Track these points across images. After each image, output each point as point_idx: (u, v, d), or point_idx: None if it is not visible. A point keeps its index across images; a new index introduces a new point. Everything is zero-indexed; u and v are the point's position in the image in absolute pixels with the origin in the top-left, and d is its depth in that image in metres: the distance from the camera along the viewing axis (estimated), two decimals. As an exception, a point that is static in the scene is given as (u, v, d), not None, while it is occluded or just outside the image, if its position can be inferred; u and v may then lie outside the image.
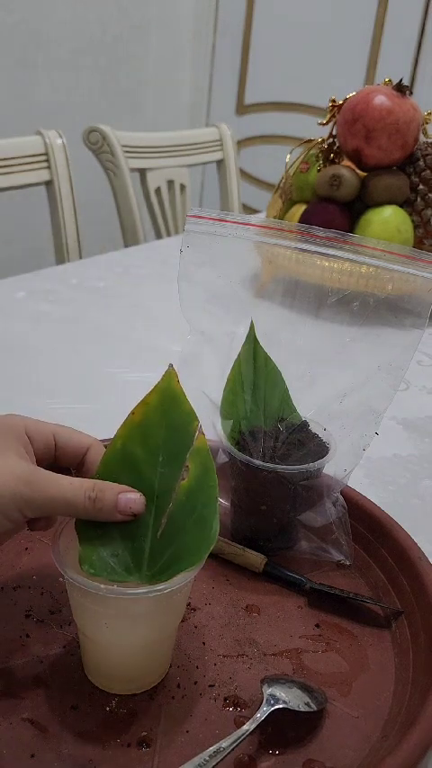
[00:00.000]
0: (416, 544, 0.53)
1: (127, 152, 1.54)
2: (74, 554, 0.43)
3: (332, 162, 1.13)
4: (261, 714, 0.40)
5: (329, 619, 0.50)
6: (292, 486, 0.52)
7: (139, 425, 0.42)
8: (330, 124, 1.12)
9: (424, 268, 0.50)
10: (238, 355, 0.56)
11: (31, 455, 0.42)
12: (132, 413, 0.42)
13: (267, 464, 0.52)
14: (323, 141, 1.14)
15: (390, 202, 1.05)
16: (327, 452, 0.54)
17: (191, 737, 0.41)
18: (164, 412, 0.42)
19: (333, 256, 0.52)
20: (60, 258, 1.44)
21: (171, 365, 0.43)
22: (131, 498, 0.40)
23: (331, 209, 1.06)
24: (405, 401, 0.85)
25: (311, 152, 1.14)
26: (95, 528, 0.40)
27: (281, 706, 0.41)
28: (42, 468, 0.40)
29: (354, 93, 1.09)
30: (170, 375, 0.43)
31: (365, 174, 1.09)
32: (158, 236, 1.71)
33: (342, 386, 0.54)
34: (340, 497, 0.55)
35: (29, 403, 0.73)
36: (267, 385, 0.57)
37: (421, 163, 1.07)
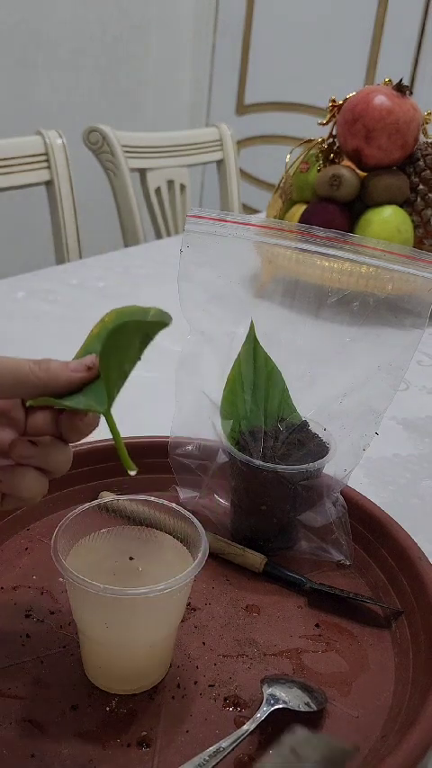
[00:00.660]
0: (416, 544, 0.53)
1: (127, 152, 1.54)
2: (74, 554, 0.43)
3: (332, 162, 1.13)
4: (261, 714, 0.40)
5: (329, 619, 0.50)
6: (292, 486, 0.52)
7: (98, 335, 0.41)
8: (330, 124, 1.12)
9: (424, 268, 0.50)
10: (238, 355, 0.56)
11: None
12: (91, 332, 0.42)
13: (267, 464, 0.52)
14: (323, 141, 1.14)
15: (390, 202, 1.05)
16: (327, 452, 0.54)
17: (191, 737, 0.41)
18: (116, 319, 0.41)
19: (333, 256, 0.52)
20: (60, 258, 1.44)
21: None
22: (81, 359, 0.39)
23: (331, 209, 1.06)
24: (405, 401, 0.85)
25: (311, 152, 1.14)
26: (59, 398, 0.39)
27: (281, 706, 0.41)
28: None
29: (354, 93, 1.09)
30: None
31: (365, 174, 1.09)
32: (158, 236, 1.71)
33: (342, 386, 0.54)
34: (340, 497, 0.55)
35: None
36: (267, 385, 0.57)
37: (421, 163, 1.07)
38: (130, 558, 0.44)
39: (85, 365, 0.39)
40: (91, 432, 0.40)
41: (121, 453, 0.38)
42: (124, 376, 0.39)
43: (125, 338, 0.37)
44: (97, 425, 0.40)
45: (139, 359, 0.39)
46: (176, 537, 0.45)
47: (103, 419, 0.39)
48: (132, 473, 0.38)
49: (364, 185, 1.07)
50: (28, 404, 0.38)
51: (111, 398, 0.38)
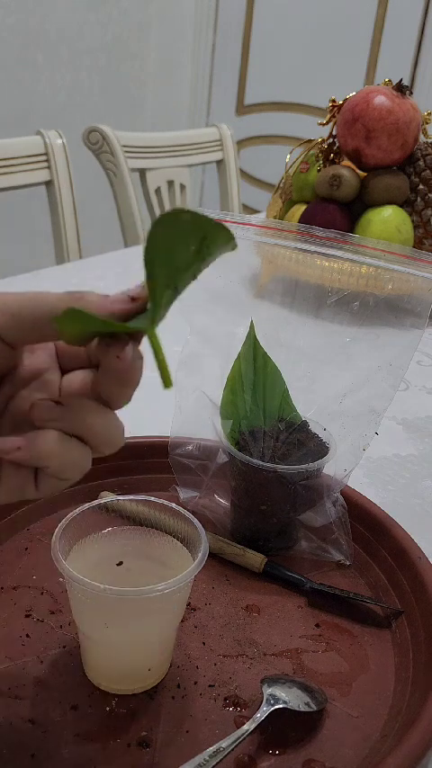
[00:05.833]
0: (416, 544, 0.53)
1: (127, 152, 1.54)
2: (74, 554, 0.43)
3: (332, 162, 1.13)
4: (261, 714, 0.40)
5: (329, 619, 0.50)
6: (292, 486, 0.52)
7: None
8: (330, 124, 1.12)
9: (424, 268, 0.50)
10: (238, 355, 0.56)
11: None
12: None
13: (267, 464, 0.52)
14: (323, 141, 1.14)
15: (390, 202, 1.05)
16: (327, 452, 0.54)
17: (191, 737, 0.41)
18: None
19: (333, 256, 0.52)
20: (60, 258, 1.44)
21: None
22: (124, 290, 0.32)
23: (331, 209, 1.06)
24: (405, 401, 0.85)
25: (311, 152, 1.14)
26: None
27: (281, 706, 0.41)
28: None
29: (354, 93, 1.09)
30: None
31: (365, 174, 1.09)
32: (158, 236, 1.70)
33: (342, 386, 0.54)
34: (340, 497, 0.55)
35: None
36: (267, 385, 0.57)
37: (421, 163, 1.07)
38: (130, 559, 0.44)
39: (129, 296, 0.32)
40: (132, 383, 0.33)
41: (163, 371, 0.31)
42: (173, 288, 0.31)
43: (176, 234, 0.29)
44: (140, 379, 0.33)
45: (195, 277, 0.32)
46: (176, 537, 0.45)
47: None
48: (167, 389, 0.31)
49: (364, 185, 1.07)
50: (52, 320, 0.32)
51: (156, 312, 0.31)
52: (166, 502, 0.46)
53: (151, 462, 0.62)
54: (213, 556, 0.54)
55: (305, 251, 0.53)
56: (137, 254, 1.40)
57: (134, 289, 0.32)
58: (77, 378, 0.34)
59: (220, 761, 0.38)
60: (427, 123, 1.09)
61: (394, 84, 1.07)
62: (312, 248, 0.53)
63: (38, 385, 0.35)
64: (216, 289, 0.54)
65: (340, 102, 1.10)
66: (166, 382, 0.31)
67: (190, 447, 0.58)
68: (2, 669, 0.44)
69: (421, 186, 1.07)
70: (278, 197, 1.18)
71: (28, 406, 0.33)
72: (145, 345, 0.33)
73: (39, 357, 0.35)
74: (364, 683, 0.45)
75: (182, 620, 0.46)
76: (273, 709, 0.41)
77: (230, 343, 0.55)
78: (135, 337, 0.33)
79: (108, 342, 0.32)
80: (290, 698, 0.42)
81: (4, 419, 0.34)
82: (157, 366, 0.31)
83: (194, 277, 0.32)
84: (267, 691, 0.42)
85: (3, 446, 0.32)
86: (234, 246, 0.31)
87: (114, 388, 0.33)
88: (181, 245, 0.30)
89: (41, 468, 0.33)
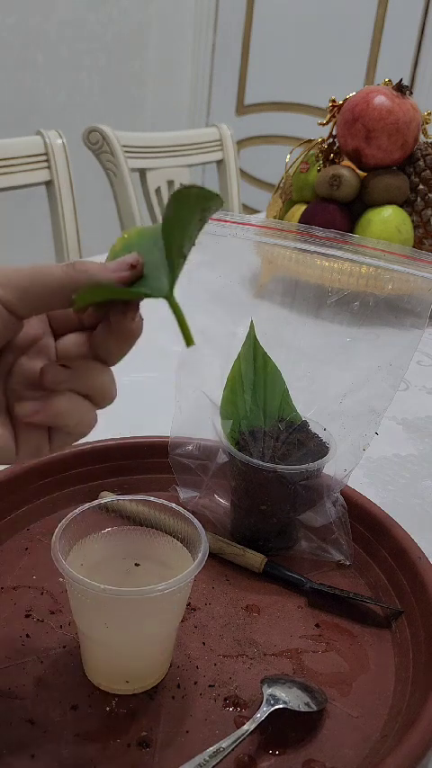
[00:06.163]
0: (416, 544, 0.53)
1: (127, 152, 1.54)
2: (74, 554, 0.43)
3: (332, 162, 1.13)
4: (261, 714, 0.40)
5: (329, 619, 0.50)
6: (292, 486, 0.52)
7: (123, 249, 0.36)
8: (330, 124, 1.12)
9: (424, 268, 0.50)
10: (238, 355, 0.56)
11: None
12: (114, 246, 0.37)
13: (267, 464, 0.52)
14: (323, 141, 1.14)
15: (390, 202, 1.05)
16: (327, 452, 0.54)
17: (191, 737, 0.41)
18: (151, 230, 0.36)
19: (333, 256, 0.52)
20: (60, 258, 1.44)
21: None
22: (121, 258, 0.34)
23: (331, 209, 1.06)
24: (405, 401, 0.85)
25: (311, 152, 1.14)
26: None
27: (281, 706, 0.41)
28: None
29: (354, 93, 1.09)
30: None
31: (365, 174, 1.09)
32: (158, 236, 1.70)
33: (342, 386, 0.54)
34: (340, 497, 0.55)
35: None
36: (267, 385, 0.57)
37: (421, 163, 1.07)
38: (130, 559, 0.44)
39: (128, 263, 0.34)
40: (134, 342, 0.36)
41: (185, 331, 0.33)
42: (183, 257, 0.34)
43: (187, 208, 0.32)
44: (140, 334, 0.36)
45: (194, 244, 0.35)
46: (176, 537, 0.45)
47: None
48: (190, 348, 0.34)
49: (364, 185, 1.07)
50: (74, 297, 0.33)
51: (173, 279, 0.33)
52: (166, 502, 0.46)
53: (151, 462, 0.62)
54: (213, 556, 0.54)
55: (305, 251, 0.53)
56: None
57: (130, 257, 0.34)
58: (71, 341, 0.36)
59: (220, 761, 0.38)
60: (427, 123, 1.09)
61: (394, 84, 1.07)
62: (312, 248, 0.53)
63: (36, 351, 0.37)
64: (216, 289, 0.54)
65: (340, 102, 1.10)
66: (188, 341, 0.34)
67: (190, 447, 0.58)
68: (2, 669, 0.44)
69: (421, 186, 1.07)
70: (278, 197, 1.18)
71: (30, 372, 0.36)
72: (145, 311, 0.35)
73: (33, 325, 0.37)
74: (364, 683, 0.45)
75: (182, 620, 0.46)
76: (273, 709, 0.41)
77: (230, 343, 0.55)
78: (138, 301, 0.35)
79: (122, 309, 0.34)
80: (290, 698, 0.42)
81: (9, 386, 0.36)
82: (179, 327, 0.33)
83: (194, 243, 0.35)
84: (267, 691, 0.42)
85: (24, 410, 0.35)
86: (222, 203, 0.34)
87: (117, 346, 0.35)
88: (191, 217, 0.33)
89: (56, 427, 0.36)
